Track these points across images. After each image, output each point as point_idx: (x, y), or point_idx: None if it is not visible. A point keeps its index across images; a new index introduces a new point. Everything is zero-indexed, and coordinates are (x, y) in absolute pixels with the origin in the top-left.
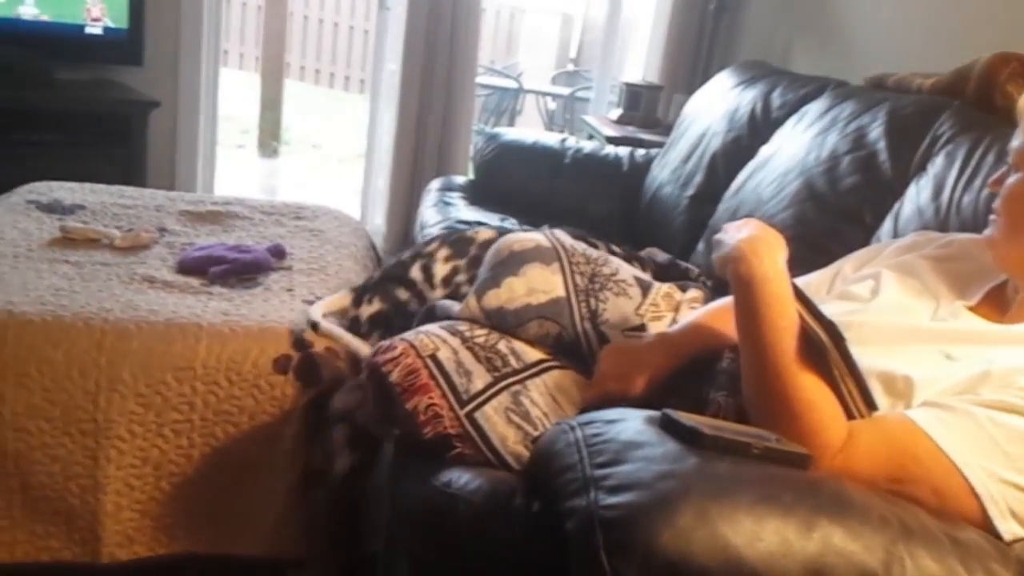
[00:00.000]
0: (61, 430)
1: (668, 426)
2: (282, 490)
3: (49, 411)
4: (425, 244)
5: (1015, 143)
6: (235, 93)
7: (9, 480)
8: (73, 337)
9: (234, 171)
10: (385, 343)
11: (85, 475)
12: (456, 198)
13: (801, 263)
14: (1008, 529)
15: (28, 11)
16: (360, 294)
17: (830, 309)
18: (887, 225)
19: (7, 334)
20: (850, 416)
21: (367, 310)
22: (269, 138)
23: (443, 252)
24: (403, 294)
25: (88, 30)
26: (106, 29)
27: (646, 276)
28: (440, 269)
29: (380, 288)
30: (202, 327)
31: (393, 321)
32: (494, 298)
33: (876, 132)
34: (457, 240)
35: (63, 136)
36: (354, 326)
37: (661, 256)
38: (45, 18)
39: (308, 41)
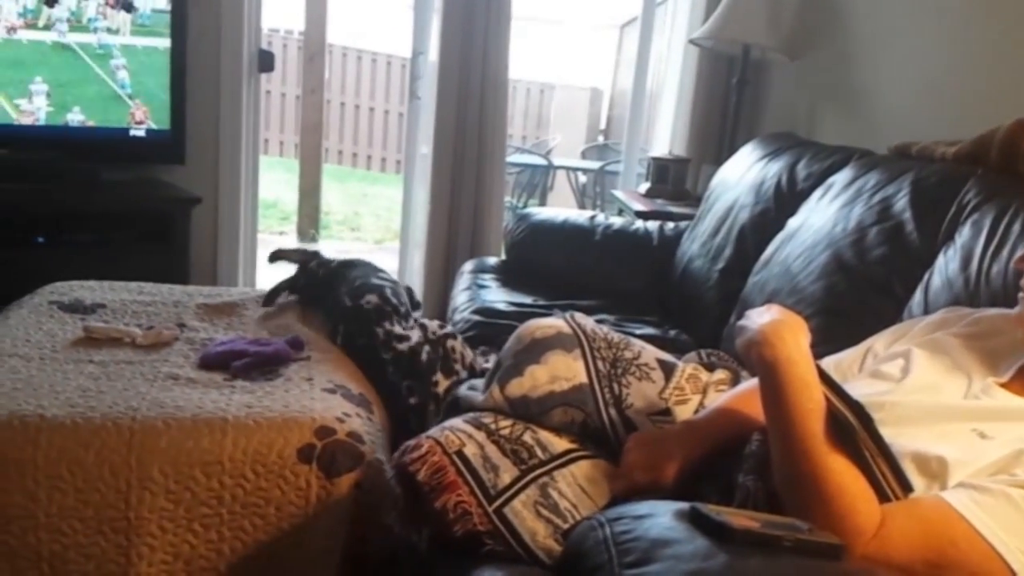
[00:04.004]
0: (94, 529)
1: (697, 521)
2: None
3: (82, 511)
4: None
5: None
6: (276, 179)
7: None
8: (103, 437)
9: None
10: (411, 441)
11: (119, 573)
12: (489, 279)
13: (833, 336)
14: None
15: (75, 117)
16: None
17: (861, 389)
18: (917, 296)
19: (39, 437)
20: (885, 498)
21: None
22: (308, 225)
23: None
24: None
25: (132, 133)
26: (149, 131)
27: (670, 358)
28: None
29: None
30: (227, 420)
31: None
32: (517, 387)
33: (901, 203)
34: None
35: (109, 236)
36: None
37: None
38: (91, 123)
39: (345, 126)
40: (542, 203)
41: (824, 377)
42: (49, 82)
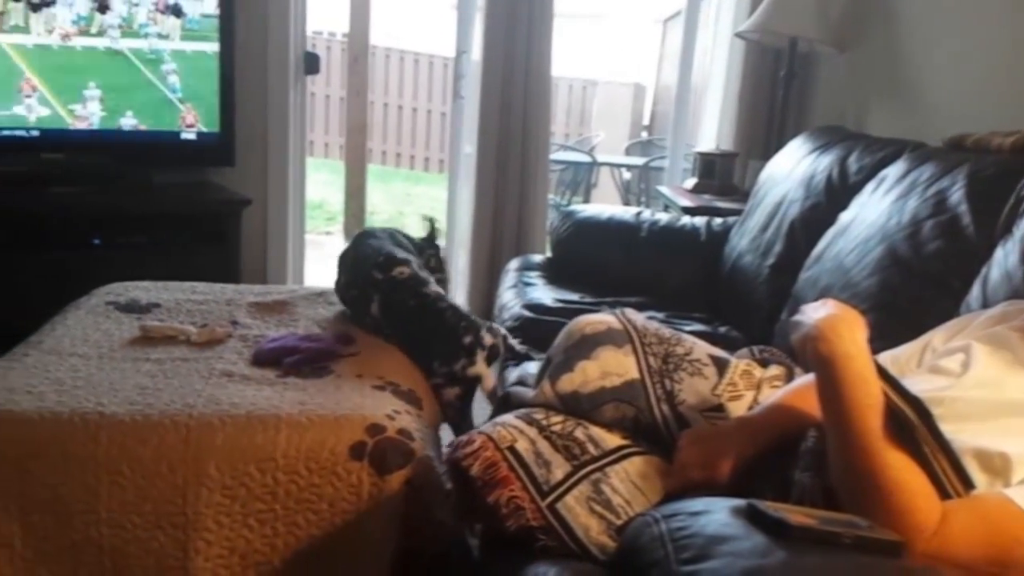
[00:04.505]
0: (153, 524)
1: (754, 517)
2: None
3: (141, 506)
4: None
5: None
6: (322, 180)
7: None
8: (161, 434)
9: (323, 259)
10: (464, 437)
11: (177, 567)
12: (535, 277)
13: (889, 331)
14: None
15: (128, 122)
16: None
17: (920, 384)
18: (975, 291)
19: (100, 434)
20: (945, 495)
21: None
22: (354, 225)
23: None
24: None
25: (183, 136)
26: (199, 134)
27: (722, 353)
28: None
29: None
30: (281, 418)
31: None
32: (568, 382)
33: (957, 195)
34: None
35: (163, 237)
36: None
37: None
38: (143, 127)
39: (389, 127)
40: (586, 200)
41: (882, 372)
42: (102, 87)
